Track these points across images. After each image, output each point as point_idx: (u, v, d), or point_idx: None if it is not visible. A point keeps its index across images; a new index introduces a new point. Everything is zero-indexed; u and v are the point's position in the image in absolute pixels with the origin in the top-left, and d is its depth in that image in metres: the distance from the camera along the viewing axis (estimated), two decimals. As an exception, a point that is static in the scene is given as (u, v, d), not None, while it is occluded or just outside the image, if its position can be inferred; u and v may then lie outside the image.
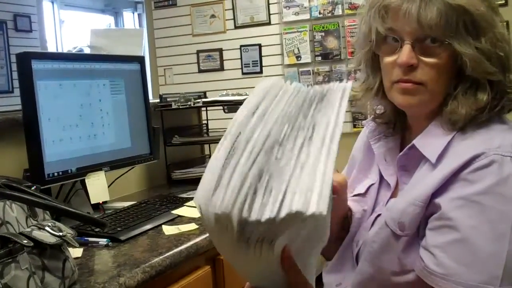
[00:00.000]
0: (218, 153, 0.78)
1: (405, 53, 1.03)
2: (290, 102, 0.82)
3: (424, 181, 1.04)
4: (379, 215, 1.14)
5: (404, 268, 1.05)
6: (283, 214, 0.71)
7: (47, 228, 1.15)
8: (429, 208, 1.02)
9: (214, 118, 3.20)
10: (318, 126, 0.79)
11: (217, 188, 0.74)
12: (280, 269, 0.82)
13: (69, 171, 1.76)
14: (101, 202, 1.92)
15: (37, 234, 1.10)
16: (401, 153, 1.14)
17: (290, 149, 0.77)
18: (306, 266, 0.89)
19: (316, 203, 0.71)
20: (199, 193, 0.78)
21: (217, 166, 0.76)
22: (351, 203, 1.25)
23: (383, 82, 1.13)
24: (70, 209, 1.14)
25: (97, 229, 1.52)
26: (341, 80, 4.79)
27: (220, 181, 0.74)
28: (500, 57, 1.03)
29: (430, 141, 1.07)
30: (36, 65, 1.64)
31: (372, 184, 1.21)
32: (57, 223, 1.19)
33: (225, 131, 0.80)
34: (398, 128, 1.21)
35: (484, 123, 1.04)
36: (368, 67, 1.17)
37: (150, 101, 2.25)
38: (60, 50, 4.99)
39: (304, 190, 0.73)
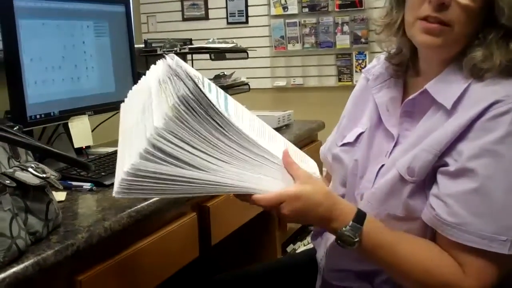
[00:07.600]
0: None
1: None
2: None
3: (439, 128, 1.01)
4: (382, 165, 1.12)
5: (408, 214, 1.04)
6: None
7: (30, 169, 1.11)
8: (442, 156, 1.00)
9: (198, 68, 3.14)
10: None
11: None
12: None
13: (52, 114, 1.71)
14: (84, 147, 1.88)
15: (20, 175, 1.06)
16: (409, 97, 1.10)
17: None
18: None
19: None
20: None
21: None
22: (341, 153, 1.23)
23: (405, 17, 1.08)
24: (54, 149, 1.10)
25: (82, 172, 1.49)
26: (327, 32, 4.67)
27: None
28: None
29: (445, 87, 1.04)
30: (17, 2, 1.57)
31: (362, 133, 1.19)
32: (41, 165, 1.15)
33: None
34: (410, 71, 1.17)
35: (503, 72, 1.01)
36: (394, 0, 1.12)
37: (135, 46, 2.19)
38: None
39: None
